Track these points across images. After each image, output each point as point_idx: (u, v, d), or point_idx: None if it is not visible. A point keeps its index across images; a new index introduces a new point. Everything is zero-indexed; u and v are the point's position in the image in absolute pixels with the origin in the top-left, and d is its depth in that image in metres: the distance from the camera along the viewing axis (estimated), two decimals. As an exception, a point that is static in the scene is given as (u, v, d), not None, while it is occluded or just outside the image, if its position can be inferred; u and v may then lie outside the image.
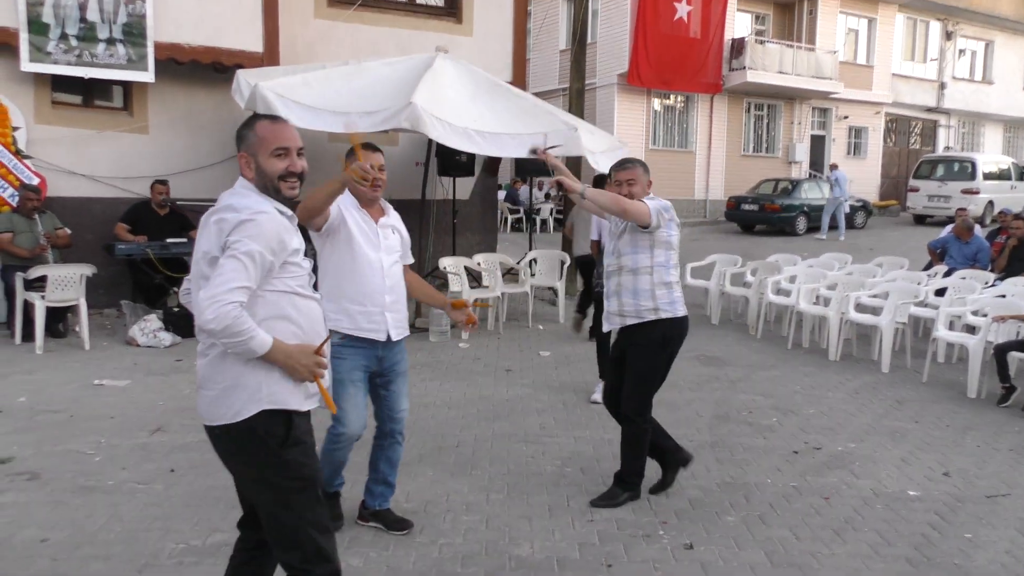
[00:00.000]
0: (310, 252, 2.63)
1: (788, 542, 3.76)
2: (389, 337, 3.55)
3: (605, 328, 4.24)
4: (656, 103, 21.74)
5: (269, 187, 2.39)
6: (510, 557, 3.57)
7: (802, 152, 23.99)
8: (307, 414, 2.46)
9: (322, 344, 2.42)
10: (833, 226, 19.09)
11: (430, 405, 5.83)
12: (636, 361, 4.08)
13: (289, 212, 2.42)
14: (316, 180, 8.98)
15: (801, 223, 19.83)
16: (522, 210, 20.43)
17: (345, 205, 3.50)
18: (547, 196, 21.38)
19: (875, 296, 7.95)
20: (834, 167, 19.96)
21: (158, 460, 4.59)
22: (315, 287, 2.55)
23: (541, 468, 4.67)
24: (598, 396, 5.82)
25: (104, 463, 4.54)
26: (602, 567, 3.49)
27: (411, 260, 3.82)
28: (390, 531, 3.77)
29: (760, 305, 8.78)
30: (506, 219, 19.54)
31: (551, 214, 20.34)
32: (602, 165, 7.90)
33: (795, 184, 20.46)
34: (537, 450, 4.95)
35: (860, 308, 7.86)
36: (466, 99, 7.38)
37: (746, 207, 20.07)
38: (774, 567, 3.52)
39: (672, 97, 22.08)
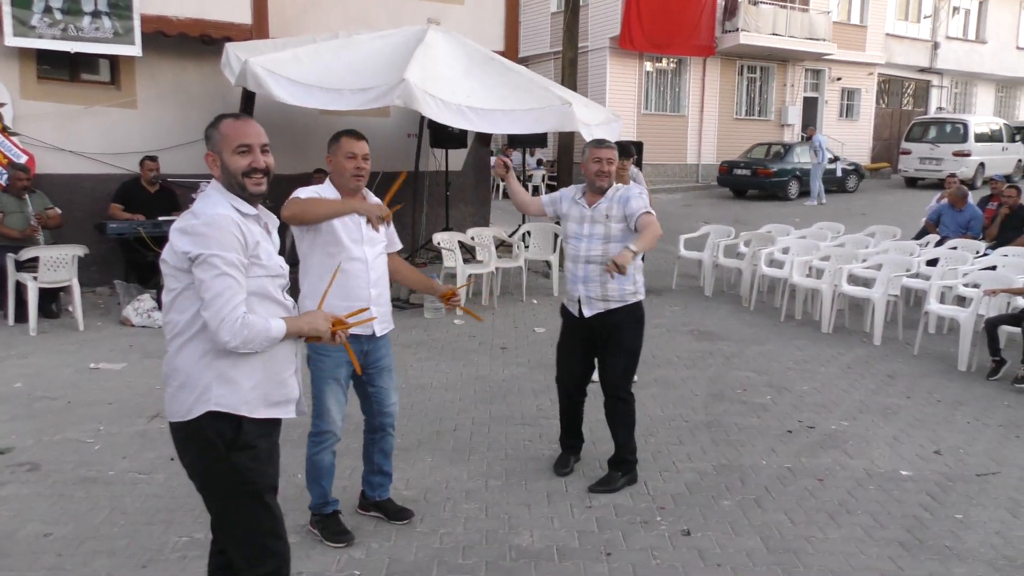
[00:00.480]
0: (287, 256, 2.62)
1: (783, 527, 3.83)
2: (374, 332, 3.52)
3: (587, 313, 4.18)
4: (648, 66, 21.54)
5: (234, 184, 2.40)
6: (510, 547, 3.62)
7: (795, 115, 23.88)
8: (266, 421, 2.44)
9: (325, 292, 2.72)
10: (807, 192, 19.20)
11: (427, 387, 5.86)
12: (628, 340, 4.22)
13: (252, 211, 2.41)
14: (309, 154, 8.95)
15: (793, 188, 19.83)
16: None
17: (325, 197, 3.42)
18: (539, 162, 21.26)
19: (868, 268, 7.99)
20: (811, 133, 19.91)
21: (158, 448, 4.60)
22: (293, 291, 2.57)
23: (539, 452, 4.71)
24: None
25: (104, 452, 4.56)
26: (601, 555, 3.55)
27: (399, 246, 3.77)
28: (391, 521, 3.81)
29: (753, 277, 8.81)
30: (498, 186, 19.45)
31: (543, 180, 20.26)
32: (597, 136, 7.84)
33: (787, 148, 20.42)
34: (534, 433, 5.00)
35: (853, 280, 7.90)
36: (459, 74, 7.30)
37: (738, 172, 20.04)
38: (770, 552, 3.59)
39: (664, 60, 21.87)
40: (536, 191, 19.74)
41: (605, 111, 8.87)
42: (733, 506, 4.04)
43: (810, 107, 24.73)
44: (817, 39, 22.81)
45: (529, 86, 7.66)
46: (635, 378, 5.80)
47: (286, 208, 3.29)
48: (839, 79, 24.85)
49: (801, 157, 20.02)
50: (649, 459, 4.62)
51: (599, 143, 4.27)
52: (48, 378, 5.81)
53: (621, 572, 3.42)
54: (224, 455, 2.35)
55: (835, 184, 20.45)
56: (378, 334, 3.56)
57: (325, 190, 3.45)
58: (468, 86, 7.18)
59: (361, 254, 3.46)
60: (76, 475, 4.25)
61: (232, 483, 2.37)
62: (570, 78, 10.54)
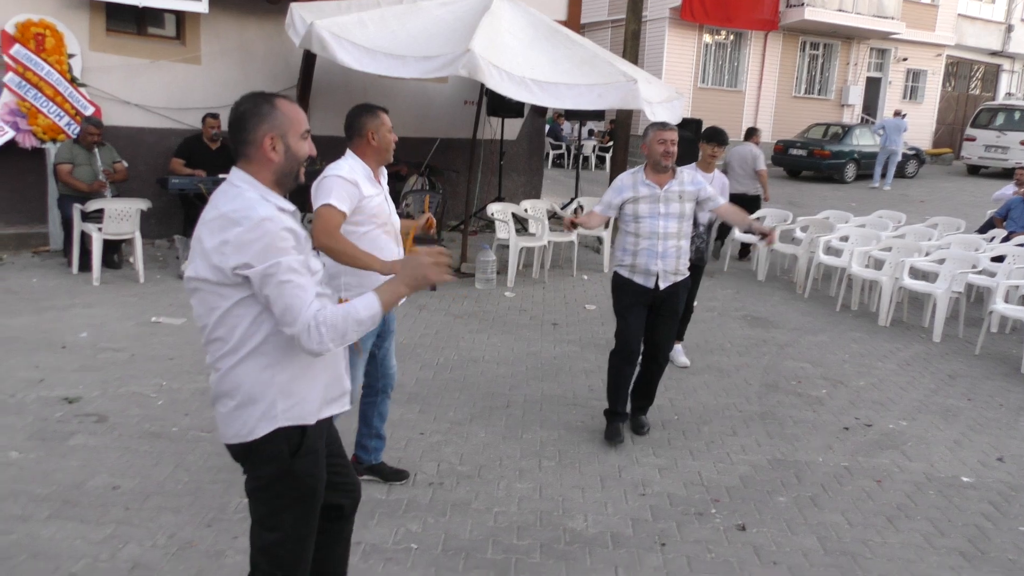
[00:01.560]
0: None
1: (840, 528, 3.79)
2: None
3: (663, 286, 4.53)
4: (707, 39, 21.07)
5: (291, 174, 2.23)
6: (564, 530, 3.64)
7: (856, 95, 23.22)
8: (324, 419, 2.35)
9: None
10: (865, 175, 18.75)
11: (479, 360, 5.89)
12: (679, 307, 4.70)
13: (291, 208, 2.21)
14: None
15: (850, 171, 19.36)
16: (564, 146, 20.17)
17: (358, 178, 3.41)
18: (590, 132, 21.04)
19: (931, 261, 7.79)
20: (901, 113, 19.12)
21: (218, 407, 4.69)
22: None
23: (592, 435, 4.71)
24: (686, 359, 6.09)
25: (167, 408, 4.67)
26: (656, 545, 3.55)
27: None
28: (388, 481, 3.95)
29: (809, 264, 8.65)
30: (547, 154, 19.31)
31: (593, 151, 20.06)
32: (659, 115, 7.70)
33: (847, 129, 19.88)
34: (587, 414, 5.00)
35: (914, 273, 7.70)
36: (524, 46, 7.20)
37: (794, 152, 19.60)
38: (827, 554, 3.56)
39: (724, 33, 21.36)
40: (586, 161, 19.57)
41: (668, 88, 8.69)
42: (789, 503, 4.00)
43: (872, 88, 24.02)
44: (885, 17, 22.05)
45: (594, 60, 7.53)
46: (687, 363, 5.89)
47: (322, 235, 3.24)
48: (905, 59, 24.05)
49: (861, 139, 19.51)
50: (703, 448, 4.60)
51: (663, 126, 4.52)
52: (111, 329, 5.95)
53: (676, 564, 3.42)
54: (289, 465, 2.24)
55: (895, 169, 19.89)
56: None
57: (356, 168, 3.43)
58: (532, 58, 7.08)
59: (391, 225, 3.61)
60: (140, 429, 4.36)
61: (291, 490, 2.27)
62: (632, 51, 10.34)
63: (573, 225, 4.64)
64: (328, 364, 2.32)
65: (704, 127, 10.79)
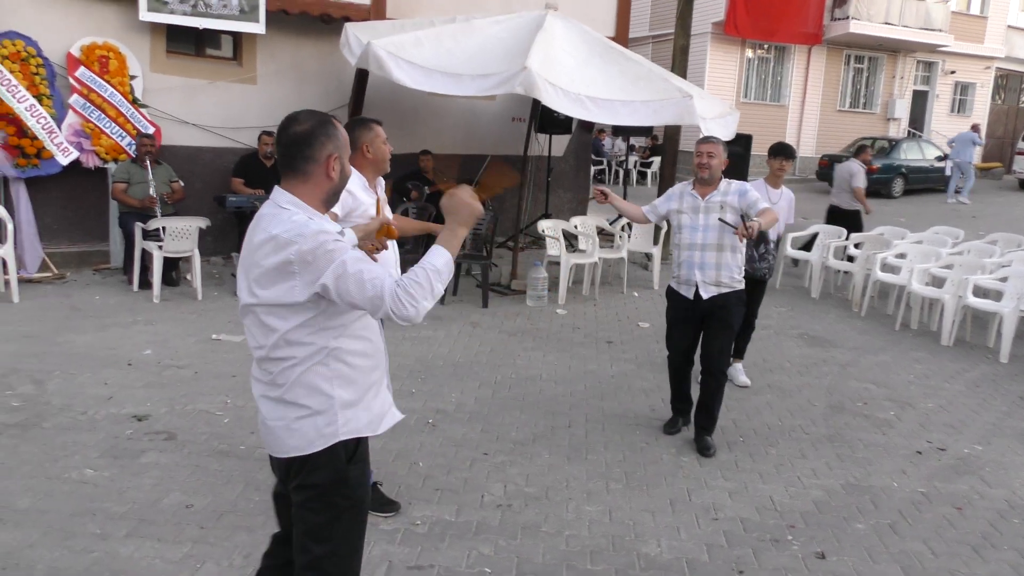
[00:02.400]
0: None
1: (924, 557, 3.67)
2: None
3: (704, 296, 4.61)
4: (750, 54, 20.92)
5: (338, 193, 2.30)
6: (639, 555, 3.57)
7: (902, 109, 22.85)
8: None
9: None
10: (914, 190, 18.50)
11: (536, 379, 5.85)
12: (732, 319, 4.67)
13: (337, 228, 2.25)
14: (417, 133, 9.13)
15: (898, 185, 19.04)
16: (605, 161, 20.12)
17: (354, 188, 3.49)
18: (631, 148, 20.97)
19: (995, 279, 7.58)
20: (976, 128, 18.97)
21: (283, 425, 4.71)
22: None
23: (657, 455, 4.64)
24: (746, 379, 5.96)
25: (233, 425, 4.71)
26: (733, 572, 3.47)
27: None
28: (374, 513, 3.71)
29: (866, 282, 8.48)
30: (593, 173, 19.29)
31: (635, 166, 19.98)
32: (712, 131, 7.64)
33: (894, 144, 19.56)
34: (649, 435, 4.93)
35: (976, 291, 7.51)
36: (578, 63, 7.20)
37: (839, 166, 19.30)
38: (911, 584, 3.45)
39: (766, 48, 21.20)
40: (627, 176, 19.49)
41: (721, 104, 8.64)
42: (867, 530, 3.89)
43: (919, 101, 23.63)
44: (932, 29, 21.71)
45: (648, 76, 7.50)
46: (748, 382, 5.78)
47: None
48: (953, 72, 23.64)
49: (908, 154, 19.19)
50: (772, 471, 4.50)
51: (704, 139, 4.70)
52: (174, 347, 6.03)
53: (755, 592, 3.34)
54: (344, 472, 2.28)
55: (943, 184, 19.52)
56: None
57: (353, 179, 3.46)
58: (587, 75, 7.08)
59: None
60: (209, 447, 4.40)
61: (345, 499, 2.29)
62: (680, 65, 10.30)
63: (604, 195, 4.75)
64: (376, 374, 2.37)
65: (747, 142, 10.75)
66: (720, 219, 4.52)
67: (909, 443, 5.01)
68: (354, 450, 2.29)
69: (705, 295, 4.58)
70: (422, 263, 2.14)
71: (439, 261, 2.15)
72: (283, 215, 2.16)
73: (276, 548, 2.56)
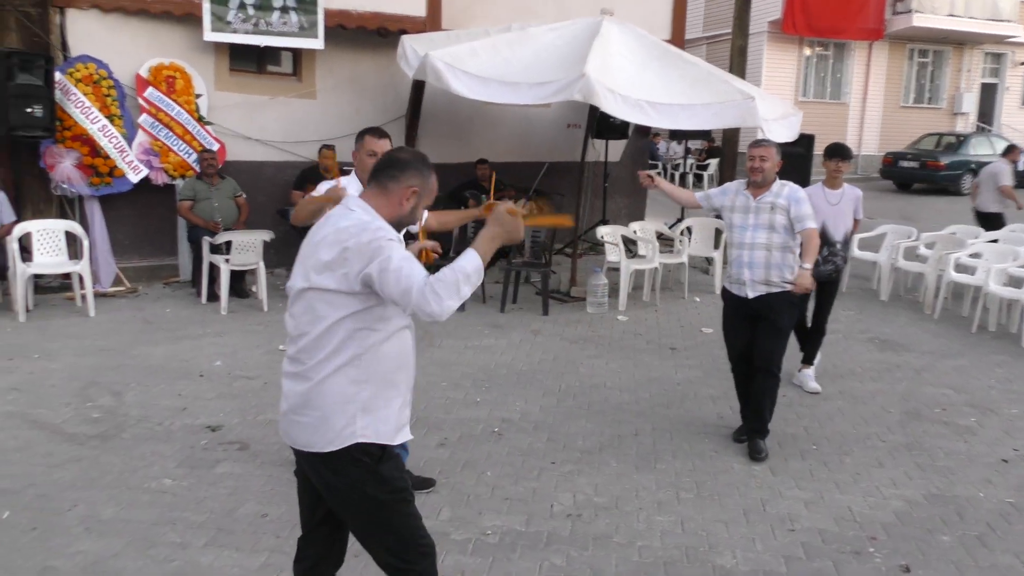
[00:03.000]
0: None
1: (1016, 572, 3.51)
2: None
3: (751, 295, 4.60)
4: (807, 51, 20.51)
5: (401, 226, 2.52)
6: (714, 567, 3.50)
7: (969, 103, 22.12)
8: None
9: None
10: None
11: (600, 387, 5.80)
12: (783, 321, 4.63)
13: (397, 235, 2.46)
14: (472, 143, 9.23)
15: (967, 182, 18.37)
16: (660, 165, 19.93)
17: (349, 190, 3.59)
18: (687, 151, 20.73)
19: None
20: None
21: (351, 435, 4.76)
22: None
23: (727, 464, 4.55)
24: (816, 384, 5.82)
25: (303, 436, 4.77)
26: (813, 586, 3.37)
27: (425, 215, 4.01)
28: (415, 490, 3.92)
29: (938, 283, 8.21)
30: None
31: (690, 170, 19.74)
32: (775, 133, 7.50)
33: (961, 139, 18.95)
34: (719, 443, 4.84)
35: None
36: (636, 67, 7.14)
37: (905, 164, 18.82)
38: (1003, 600, 3.31)
39: (825, 45, 20.74)
40: (683, 179, 19.27)
41: (783, 104, 8.48)
42: (954, 543, 3.75)
43: (987, 94, 22.83)
44: (1001, 20, 20.96)
45: (708, 79, 7.39)
46: (818, 388, 5.62)
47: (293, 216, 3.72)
48: (1023, 63, 22.77)
49: (978, 149, 18.54)
50: (849, 481, 4.37)
51: (756, 143, 4.67)
52: (243, 358, 6.16)
53: (838, 606, 3.24)
54: (374, 470, 2.39)
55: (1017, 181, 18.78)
56: None
57: (350, 182, 3.78)
58: (646, 79, 7.01)
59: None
60: (281, 457, 4.46)
61: (385, 494, 2.41)
62: (739, 66, 10.14)
63: (651, 178, 4.85)
64: (401, 388, 2.48)
65: (809, 142, 10.51)
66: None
67: (993, 451, 4.82)
68: (380, 455, 2.40)
69: (752, 294, 4.59)
70: (453, 265, 2.27)
71: (470, 266, 2.28)
72: (349, 213, 2.38)
73: (304, 551, 2.68)
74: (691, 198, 4.98)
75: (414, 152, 2.51)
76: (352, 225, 2.31)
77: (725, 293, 4.83)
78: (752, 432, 4.72)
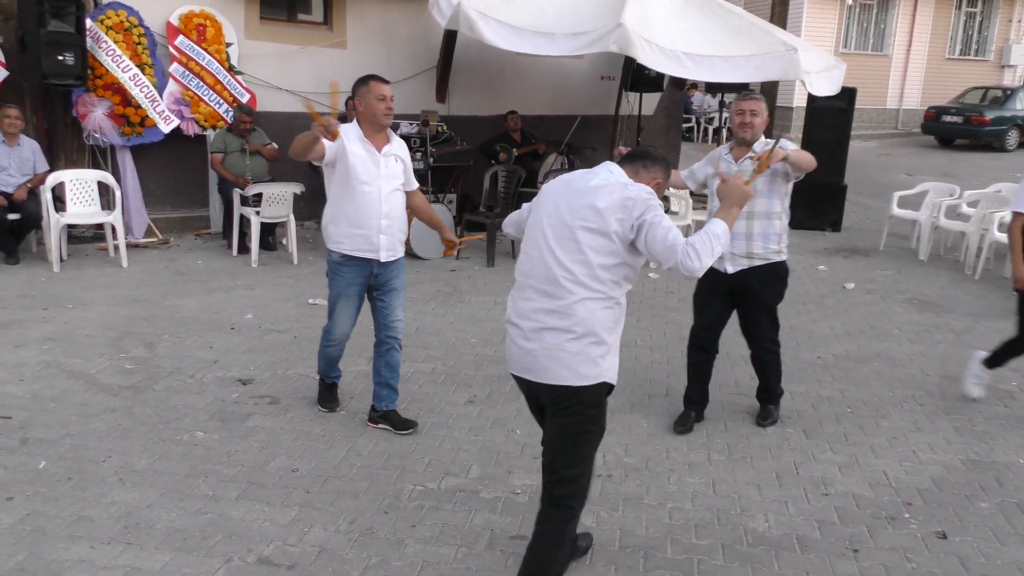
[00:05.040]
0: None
1: (1056, 541, 3.43)
2: (379, 258, 3.98)
3: (731, 270, 4.22)
4: (850, 1, 19.79)
5: None
6: (746, 530, 3.47)
7: (1019, 55, 21.31)
8: None
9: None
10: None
11: (631, 345, 5.74)
12: (771, 297, 4.34)
13: None
14: (503, 95, 9.11)
15: (1012, 138, 17.89)
16: (693, 119, 19.54)
17: (348, 137, 3.83)
18: (723, 104, 20.28)
19: None
20: None
21: (381, 390, 4.76)
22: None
23: (759, 427, 4.49)
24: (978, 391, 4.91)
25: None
26: (847, 551, 3.32)
27: (415, 186, 4.20)
28: (397, 431, 4.20)
29: (981, 242, 7.98)
30: (690, 128, 18.81)
31: (724, 124, 19.32)
32: (817, 87, 7.27)
33: (1009, 93, 18.30)
34: (751, 404, 4.76)
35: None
36: (675, 17, 6.90)
37: (948, 119, 18.23)
38: (1044, 571, 3.23)
39: (870, -7, 20.02)
40: (717, 133, 18.89)
41: (826, 56, 8.17)
42: (992, 509, 3.67)
43: (1038, 46, 21.94)
44: (1056, -33, 20.05)
45: (750, 30, 7.13)
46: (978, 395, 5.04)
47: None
48: (1077, 14, 21.83)
49: (1025, 103, 17.91)
50: (885, 445, 4.30)
51: (745, 95, 4.24)
52: (273, 311, 6.18)
53: (872, 573, 3.19)
54: (604, 407, 2.78)
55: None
56: (383, 260, 4.00)
57: (350, 129, 3.88)
58: (685, 30, 6.78)
59: (375, 188, 3.88)
60: (312, 412, 4.48)
61: (599, 432, 2.78)
62: (780, 16, 9.84)
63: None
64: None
65: (851, 95, 10.17)
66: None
67: (1035, 417, 4.70)
68: (609, 390, 2.75)
69: (732, 269, 4.18)
70: (705, 229, 2.59)
71: (718, 229, 2.60)
72: (617, 171, 2.74)
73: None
74: (679, 179, 4.35)
75: (662, 156, 2.86)
76: (635, 186, 2.64)
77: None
78: (763, 400, 4.59)
